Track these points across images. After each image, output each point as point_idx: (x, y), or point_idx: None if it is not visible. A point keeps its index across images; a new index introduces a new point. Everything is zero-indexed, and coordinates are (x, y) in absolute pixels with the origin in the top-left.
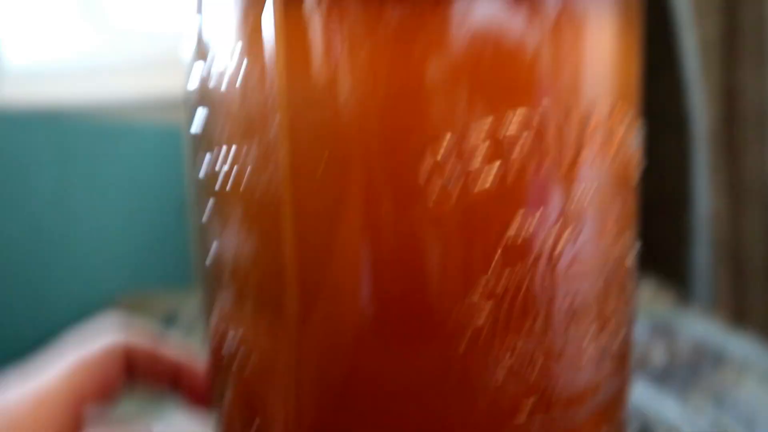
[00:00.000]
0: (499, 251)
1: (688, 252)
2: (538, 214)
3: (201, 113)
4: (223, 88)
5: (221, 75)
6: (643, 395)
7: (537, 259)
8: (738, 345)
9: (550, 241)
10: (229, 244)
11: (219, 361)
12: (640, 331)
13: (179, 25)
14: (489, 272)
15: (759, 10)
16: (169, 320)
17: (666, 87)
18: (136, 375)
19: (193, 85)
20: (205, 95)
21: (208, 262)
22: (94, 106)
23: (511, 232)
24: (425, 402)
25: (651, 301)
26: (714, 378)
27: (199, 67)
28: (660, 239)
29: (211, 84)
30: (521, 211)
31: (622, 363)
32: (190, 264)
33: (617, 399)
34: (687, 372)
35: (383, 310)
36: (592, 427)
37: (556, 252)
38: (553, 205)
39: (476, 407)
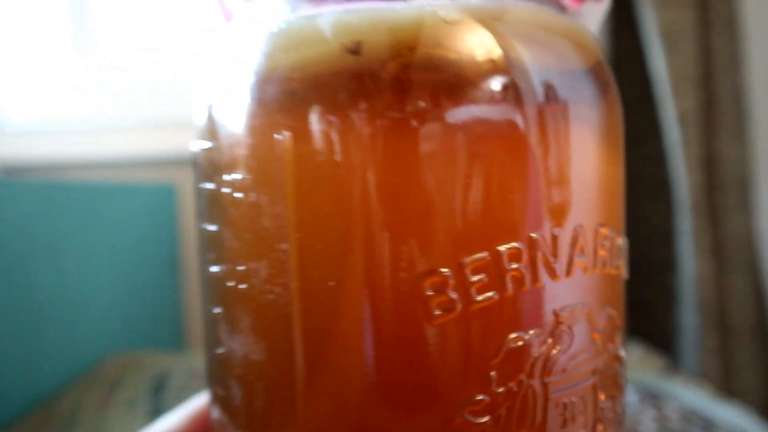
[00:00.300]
0: (496, 365)
1: (674, 314)
2: (531, 331)
3: (212, 222)
4: (234, 204)
5: (232, 191)
6: None
7: (532, 368)
8: (728, 412)
9: (544, 352)
10: (236, 344)
11: None
12: (629, 399)
13: (173, 85)
14: (487, 382)
15: (734, 81)
16: (160, 382)
17: (652, 153)
18: None
19: (207, 187)
20: (216, 203)
21: (215, 352)
22: (87, 163)
23: (507, 347)
24: None
25: (638, 367)
26: None
27: (212, 175)
28: (646, 302)
29: (223, 191)
30: (516, 329)
31: None
32: (181, 326)
33: None
34: None
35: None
36: None
37: (550, 361)
38: (545, 321)
39: None
